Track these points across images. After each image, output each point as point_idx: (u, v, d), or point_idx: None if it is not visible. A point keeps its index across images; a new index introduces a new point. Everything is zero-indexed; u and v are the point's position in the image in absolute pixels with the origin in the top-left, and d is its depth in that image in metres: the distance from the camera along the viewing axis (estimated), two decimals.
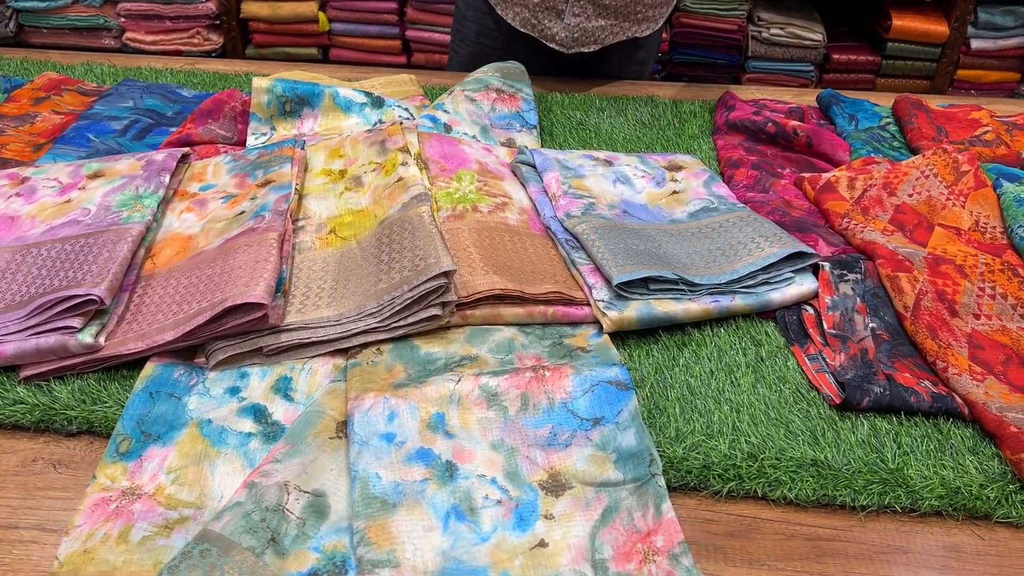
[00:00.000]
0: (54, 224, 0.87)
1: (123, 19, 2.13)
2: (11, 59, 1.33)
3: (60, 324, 0.74)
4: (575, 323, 0.83)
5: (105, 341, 0.76)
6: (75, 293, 0.75)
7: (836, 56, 2.24)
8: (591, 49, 1.30)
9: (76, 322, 0.75)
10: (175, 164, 0.96)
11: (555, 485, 0.66)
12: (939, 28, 2.18)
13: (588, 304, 0.83)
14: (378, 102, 1.14)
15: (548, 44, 1.29)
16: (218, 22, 2.17)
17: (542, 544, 0.61)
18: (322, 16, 2.18)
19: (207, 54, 2.16)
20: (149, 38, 2.13)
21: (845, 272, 0.87)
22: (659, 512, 0.62)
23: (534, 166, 1.01)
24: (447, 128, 1.08)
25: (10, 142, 1.08)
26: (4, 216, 0.89)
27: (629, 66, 1.39)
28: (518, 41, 1.32)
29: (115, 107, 1.16)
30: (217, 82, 1.30)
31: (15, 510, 0.66)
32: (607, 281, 0.82)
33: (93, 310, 0.76)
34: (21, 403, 0.72)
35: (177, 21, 2.12)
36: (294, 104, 1.11)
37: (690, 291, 0.83)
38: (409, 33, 2.25)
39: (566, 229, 0.90)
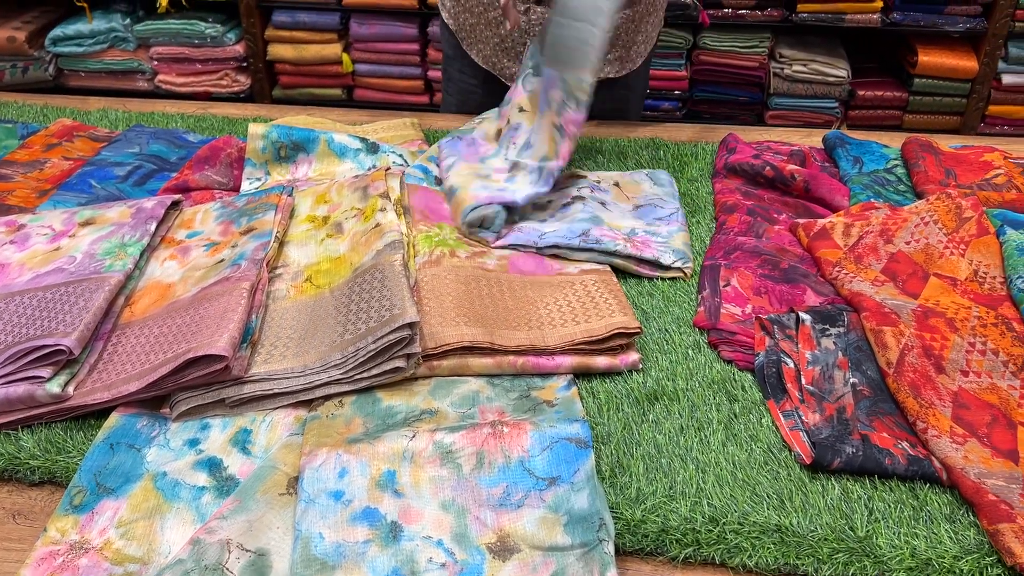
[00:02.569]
0: (40, 272, 0.89)
1: (155, 62, 2.20)
2: (31, 105, 1.38)
3: (30, 374, 0.76)
4: (545, 374, 0.82)
5: (74, 391, 0.77)
6: (45, 343, 0.76)
7: (861, 92, 2.20)
8: None
9: (45, 372, 0.76)
10: (163, 212, 0.98)
11: (503, 548, 0.64)
12: (968, 63, 2.12)
13: (558, 354, 0.81)
14: (373, 148, 1.15)
15: (508, 83, 1.30)
16: (245, 64, 2.22)
17: None
18: (346, 58, 2.22)
19: (235, 95, 2.22)
20: (180, 80, 2.20)
21: (827, 326, 0.85)
22: None
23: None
24: (438, 182, 1.08)
25: (17, 188, 1.11)
26: None
27: (608, 104, 1.36)
28: (493, 79, 1.33)
29: (121, 153, 1.19)
30: (226, 126, 1.33)
31: None
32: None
33: (64, 360, 0.77)
34: None
35: (207, 64, 2.18)
36: (289, 150, 1.13)
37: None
38: (431, 73, 2.29)
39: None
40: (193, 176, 1.10)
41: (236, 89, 2.20)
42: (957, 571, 0.64)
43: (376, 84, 2.29)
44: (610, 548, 0.63)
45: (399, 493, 0.67)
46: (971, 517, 0.68)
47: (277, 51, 2.21)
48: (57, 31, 2.15)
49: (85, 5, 2.13)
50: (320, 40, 2.19)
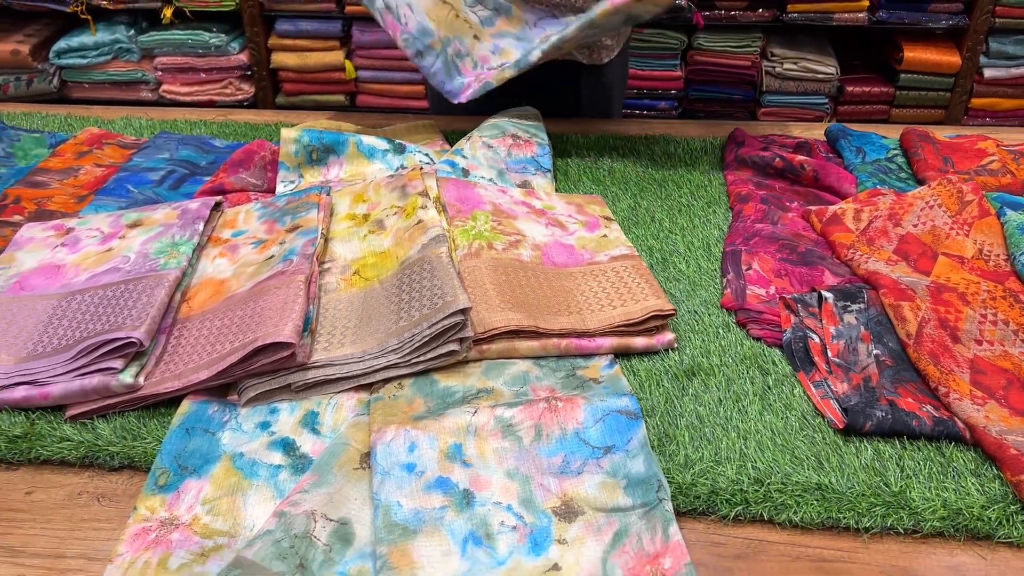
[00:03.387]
0: (96, 272, 0.93)
1: (160, 72, 2.23)
2: (55, 115, 1.41)
3: (103, 365, 0.80)
4: (587, 355, 0.87)
5: (144, 381, 0.81)
6: (116, 336, 0.80)
7: (850, 88, 2.27)
8: None
9: (118, 363, 0.80)
10: (209, 212, 1.02)
11: (568, 511, 0.69)
12: (951, 59, 2.21)
13: (598, 336, 0.86)
14: (400, 148, 1.19)
15: None
16: (249, 72, 2.26)
17: (555, 568, 0.64)
18: (348, 64, 2.26)
19: (239, 103, 2.26)
20: (184, 89, 2.23)
21: (848, 303, 0.90)
22: (667, 535, 0.65)
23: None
24: (465, 172, 1.13)
25: (55, 195, 1.15)
26: (51, 265, 0.95)
27: (596, 93, 1.42)
28: None
29: (152, 159, 1.23)
30: (248, 132, 1.37)
31: (63, 540, 0.70)
32: None
33: (133, 352, 0.81)
34: (67, 440, 0.77)
35: (211, 73, 2.22)
36: (320, 152, 1.17)
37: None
38: None
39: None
40: (228, 179, 1.14)
41: (240, 97, 2.24)
42: (985, 519, 0.70)
43: (378, 90, 2.34)
44: (670, 506, 0.68)
45: (467, 463, 0.71)
46: (995, 471, 0.74)
47: (280, 59, 2.25)
48: (61, 43, 2.18)
49: (89, 18, 2.16)
50: (323, 48, 2.23)
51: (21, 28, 2.21)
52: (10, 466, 0.77)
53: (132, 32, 2.19)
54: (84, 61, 2.17)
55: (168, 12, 2.10)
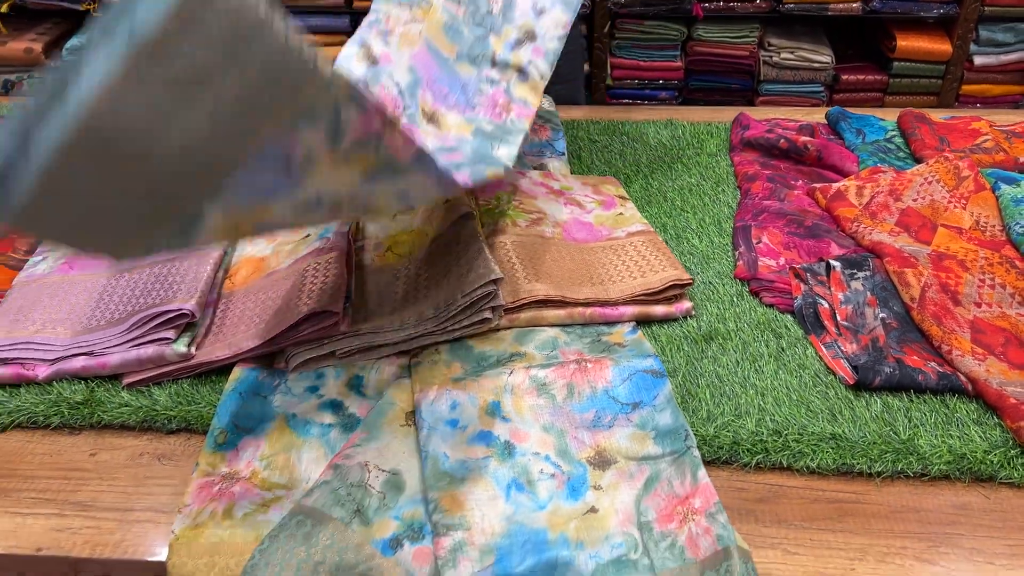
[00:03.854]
0: None
1: None
2: None
3: (157, 336, 0.84)
4: (611, 323, 0.92)
5: (196, 350, 0.85)
6: (169, 308, 0.85)
7: (845, 77, 2.33)
8: None
9: (171, 334, 0.85)
10: None
11: (601, 460, 0.74)
12: (942, 47, 2.27)
13: (621, 305, 0.92)
14: None
15: None
16: None
17: (593, 510, 0.70)
18: None
19: None
20: None
21: (855, 270, 0.96)
22: (695, 479, 0.71)
23: None
24: None
25: None
26: None
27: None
28: None
29: None
30: None
31: (129, 496, 0.75)
32: None
33: (185, 323, 0.86)
34: (126, 406, 0.82)
35: None
36: None
37: None
38: None
39: None
40: None
41: None
42: (988, 463, 0.75)
43: None
44: (697, 453, 0.73)
45: (506, 419, 0.77)
46: (995, 419, 0.79)
47: None
48: (74, 41, 2.22)
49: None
50: (331, 43, 2.27)
51: (34, 27, 2.25)
52: (73, 430, 0.82)
53: None
54: None
55: None
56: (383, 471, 0.72)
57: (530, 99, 1.01)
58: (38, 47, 2.19)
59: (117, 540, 0.71)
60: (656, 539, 0.67)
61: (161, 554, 0.69)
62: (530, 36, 1.02)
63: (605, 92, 2.42)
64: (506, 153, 0.93)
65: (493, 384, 0.80)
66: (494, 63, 1.02)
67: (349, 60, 0.92)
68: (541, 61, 1.02)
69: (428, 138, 0.93)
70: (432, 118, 0.96)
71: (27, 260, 1.00)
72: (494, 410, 0.77)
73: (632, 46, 2.34)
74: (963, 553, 0.69)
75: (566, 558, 0.65)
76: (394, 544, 0.67)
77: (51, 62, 2.22)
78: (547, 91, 1.40)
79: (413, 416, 0.78)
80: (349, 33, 2.29)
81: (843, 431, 0.78)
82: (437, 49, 1.00)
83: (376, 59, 0.92)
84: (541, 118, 1.30)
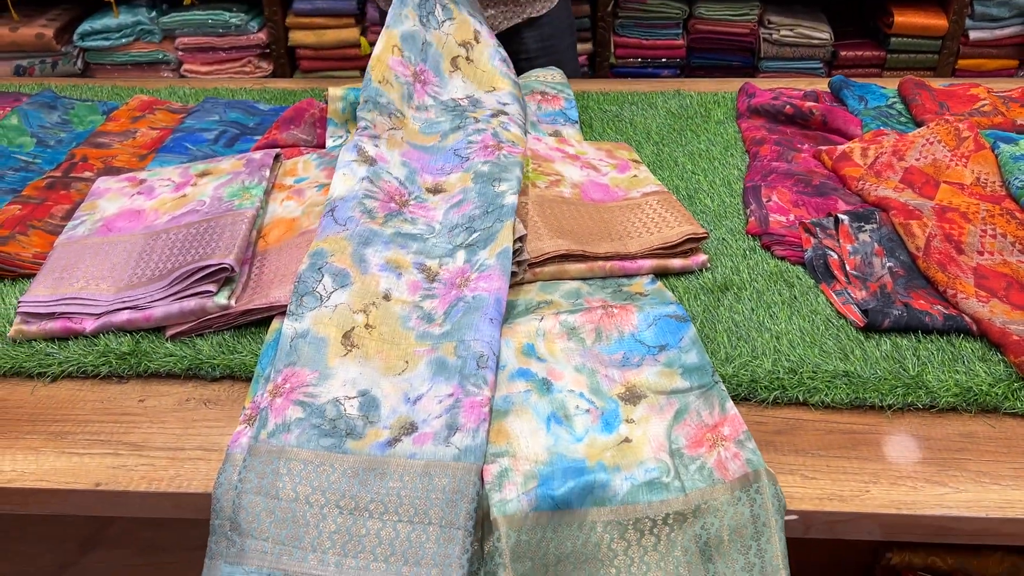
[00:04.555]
0: (176, 214, 1.02)
1: (181, 52, 2.31)
2: (102, 86, 1.49)
3: (199, 290, 0.88)
4: (630, 275, 0.96)
5: (235, 303, 0.89)
6: (210, 263, 0.89)
7: (843, 53, 2.37)
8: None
9: (212, 287, 0.88)
10: (271, 161, 1.10)
11: (632, 396, 0.78)
12: (938, 22, 2.31)
13: (639, 258, 0.96)
14: None
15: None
16: (268, 51, 2.34)
17: (627, 440, 0.74)
18: (363, 40, 2.34)
19: (263, 79, 2.33)
20: (205, 68, 2.30)
21: (862, 223, 1.00)
22: (724, 409, 0.75)
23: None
24: None
25: (118, 154, 1.23)
26: (131, 210, 1.04)
27: (542, 42, 1.51)
28: None
29: (203, 121, 1.31)
30: (287, 97, 1.45)
31: (179, 436, 0.79)
32: None
33: (224, 277, 0.89)
34: (172, 355, 0.86)
35: (230, 52, 2.29)
36: None
37: None
38: None
39: None
40: (280, 135, 1.22)
41: (259, 75, 2.32)
42: (992, 395, 0.80)
43: None
44: (723, 387, 0.77)
45: (541, 359, 0.81)
46: (999, 356, 0.84)
47: (298, 37, 2.33)
48: (85, 26, 2.25)
49: (112, 1, 2.23)
50: (338, 25, 2.31)
51: (44, 12, 2.28)
52: (121, 379, 0.86)
53: (154, 14, 2.26)
54: (107, 43, 2.24)
55: None
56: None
57: (518, 141, 1.09)
58: (49, 32, 2.22)
59: (171, 476, 0.75)
60: (686, 462, 0.71)
61: (212, 488, 0.73)
62: (503, 113, 1.15)
63: (609, 70, 2.46)
64: (507, 188, 0.99)
65: (526, 329, 0.84)
66: (477, 121, 1.13)
67: (350, 166, 1.02)
68: (515, 127, 1.13)
69: (437, 206, 1.00)
70: (436, 189, 1.04)
71: (64, 225, 1.04)
72: (529, 351, 0.81)
73: (635, 25, 2.38)
74: (970, 475, 0.74)
75: (603, 480, 0.69)
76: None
77: (62, 47, 2.25)
78: (529, 51, 1.45)
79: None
80: (356, 15, 2.34)
81: (855, 369, 0.82)
82: (421, 145, 1.11)
83: (373, 159, 1.03)
84: (554, 88, 1.34)
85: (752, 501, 0.68)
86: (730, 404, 0.75)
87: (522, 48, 1.49)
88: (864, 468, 0.75)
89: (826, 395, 0.81)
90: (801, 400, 0.81)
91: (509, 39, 1.46)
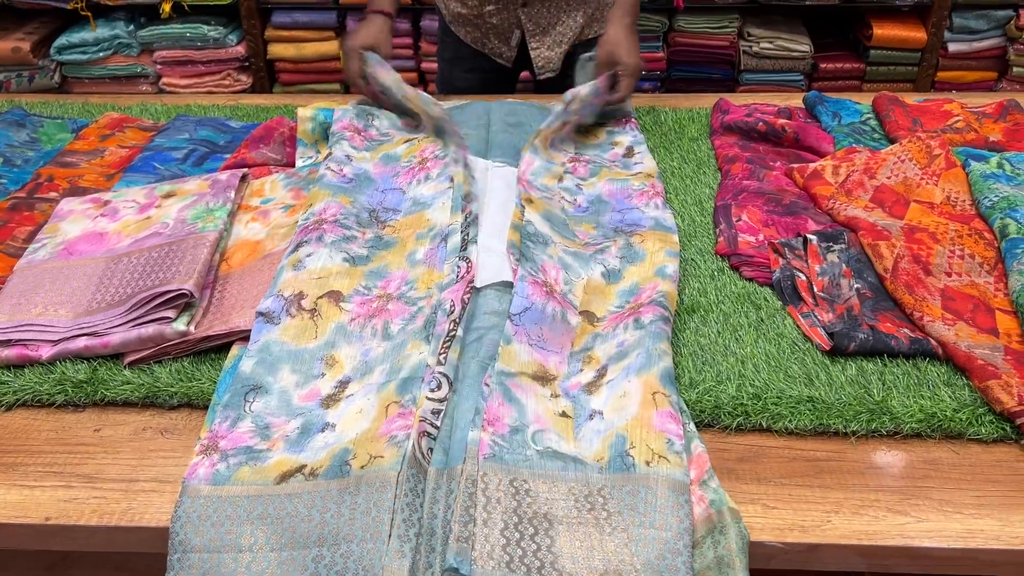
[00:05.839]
0: (138, 237, 1.00)
1: (159, 66, 2.29)
2: (74, 103, 1.47)
3: (157, 316, 0.87)
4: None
5: (195, 329, 0.88)
6: (169, 289, 0.88)
7: (823, 65, 2.37)
8: (555, 73, 1.47)
9: (171, 313, 0.87)
10: (237, 182, 1.09)
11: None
12: (917, 34, 2.31)
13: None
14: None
15: (497, 60, 1.48)
16: (247, 64, 2.32)
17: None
18: (343, 53, 2.34)
19: (237, 94, 2.31)
20: (183, 82, 2.29)
21: (831, 244, 0.99)
22: (690, 451, 0.74)
23: None
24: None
25: (85, 173, 1.21)
26: (94, 233, 1.03)
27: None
28: (482, 57, 1.49)
29: (173, 139, 1.30)
30: (260, 114, 1.44)
31: (134, 468, 0.78)
32: None
33: (184, 303, 0.88)
34: (129, 383, 0.85)
35: (209, 65, 2.28)
36: None
37: None
38: (424, 65, 2.41)
39: None
40: (250, 154, 1.21)
41: (237, 88, 2.30)
42: (957, 421, 0.79)
43: None
44: (692, 426, 0.77)
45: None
46: (964, 380, 0.83)
47: (277, 50, 2.31)
48: (62, 39, 2.23)
49: (89, 14, 2.21)
50: (318, 38, 2.30)
51: (22, 26, 2.26)
52: (77, 408, 0.84)
53: (131, 27, 2.25)
54: (84, 57, 2.22)
55: (167, 7, 2.16)
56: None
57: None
58: (26, 46, 2.21)
59: (123, 509, 0.74)
60: None
61: (166, 521, 0.72)
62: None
63: None
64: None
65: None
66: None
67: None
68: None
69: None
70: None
71: (26, 248, 1.02)
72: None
73: None
74: (933, 504, 0.73)
75: None
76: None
77: (39, 61, 2.23)
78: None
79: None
80: (336, 28, 2.33)
81: (820, 394, 0.82)
82: None
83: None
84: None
85: (716, 543, 0.67)
86: (696, 443, 0.74)
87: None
88: (827, 497, 0.74)
89: (790, 421, 0.80)
90: (765, 426, 0.80)
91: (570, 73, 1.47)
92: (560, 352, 0.84)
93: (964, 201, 1.09)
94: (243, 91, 2.31)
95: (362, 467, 0.71)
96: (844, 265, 0.97)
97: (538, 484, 0.70)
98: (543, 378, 0.81)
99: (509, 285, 0.90)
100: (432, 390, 0.77)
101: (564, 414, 0.78)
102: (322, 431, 0.77)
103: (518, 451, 0.73)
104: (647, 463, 0.71)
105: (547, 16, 1.43)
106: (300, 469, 0.73)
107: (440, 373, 0.79)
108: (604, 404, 0.78)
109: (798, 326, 0.91)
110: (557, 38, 1.45)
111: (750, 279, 0.99)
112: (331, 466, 0.72)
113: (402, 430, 0.74)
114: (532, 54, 1.46)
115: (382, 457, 0.72)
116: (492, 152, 1.17)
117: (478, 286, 0.90)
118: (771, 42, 2.33)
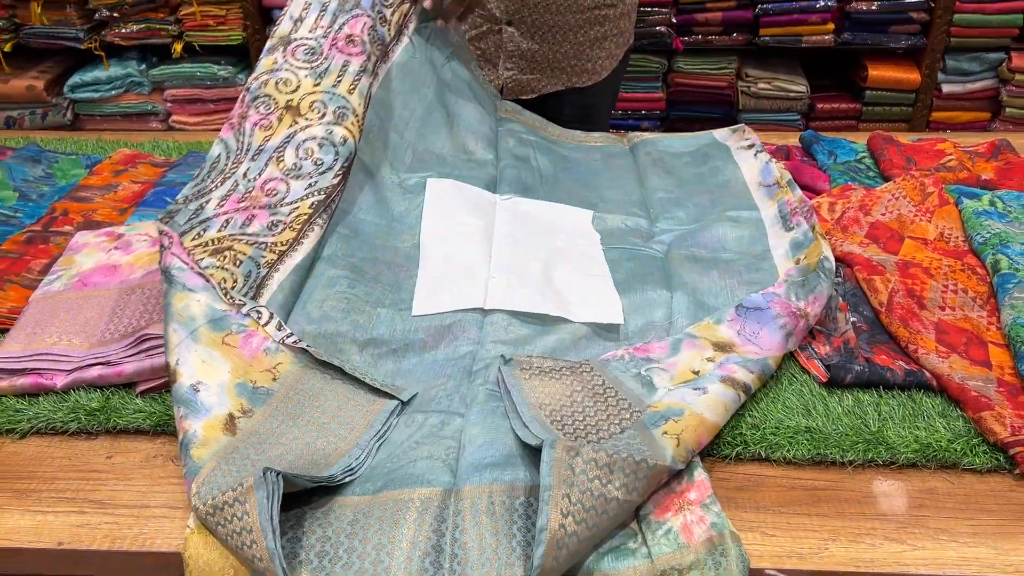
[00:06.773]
0: (150, 269, 1.03)
1: (169, 104, 2.35)
2: (87, 140, 1.51)
3: None
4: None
5: None
6: None
7: (820, 105, 2.43)
8: (528, 97, 1.50)
9: None
10: None
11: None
12: (911, 76, 2.37)
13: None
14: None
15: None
16: None
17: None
18: None
19: None
20: (192, 119, 2.34)
21: None
22: (692, 477, 0.75)
23: None
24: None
25: (99, 207, 1.24)
26: (108, 265, 1.05)
27: (581, 109, 1.55)
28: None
29: (185, 175, 1.33)
30: None
31: (145, 494, 0.80)
32: None
33: None
34: (141, 411, 0.87)
35: (218, 103, 2.33)
36: None
37: None
38: None
39: None
40: None
41: None
42: (951, 451, 0.81)
43: None
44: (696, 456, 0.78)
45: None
46: (958, 412, 0.85)
47: None
48: (75, 78, 2.29)
49: (102, 54, 2.27)
50: None
51: (36, 64, 2.32)
52: (90, 436, 0.86)
53: (143, 66, 2.31)
54: (97, 95, 2.28)
55: (178, 47, 2.22)
56: None
57: None
58: (40, 84, 2.26)
59: (135, 534, 0.75)
60: (653, 528, 0.71)
61: (178, 546, 0.73)
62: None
63: None
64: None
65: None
66: None
67: None
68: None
69: None
70: None
71: (41, 279, 1.05)
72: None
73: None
74: (929, 532, 0.74)
75: None
76: None
77: (52, 98, 2.28)
78: (564, 115, 1.48)
79: None
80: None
81: (817, 424, 0.83)
82: None
83: None
84: None
85: (717, 565, 0.68)
86: (699, 471, 0.76)
87: (560, 112, 1.51)
88: (824, 525, 0.75)
89: (788, 451, 0.81)
90: (763, 456, 0.82)
91: (546, 98, 1.51)
92: (764, 351, 0.87)
93: (957, 237, 1.11)
94: None
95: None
96: (840, 299, 0.99)
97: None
98: (722, 346, 0.87)
99: (520, 315, 0.93)
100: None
101: (696, 372, 0.84)
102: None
103: (626, 369, 0.84)
104: (663, 433, 0.76)
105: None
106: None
107: None
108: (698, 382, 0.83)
109: (796, 358, 0.93)
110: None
111: None
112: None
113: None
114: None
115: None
116: (500, 187, 1.20)
117: (487, 308, 0.93)
118: (768, 83, 2.38)
